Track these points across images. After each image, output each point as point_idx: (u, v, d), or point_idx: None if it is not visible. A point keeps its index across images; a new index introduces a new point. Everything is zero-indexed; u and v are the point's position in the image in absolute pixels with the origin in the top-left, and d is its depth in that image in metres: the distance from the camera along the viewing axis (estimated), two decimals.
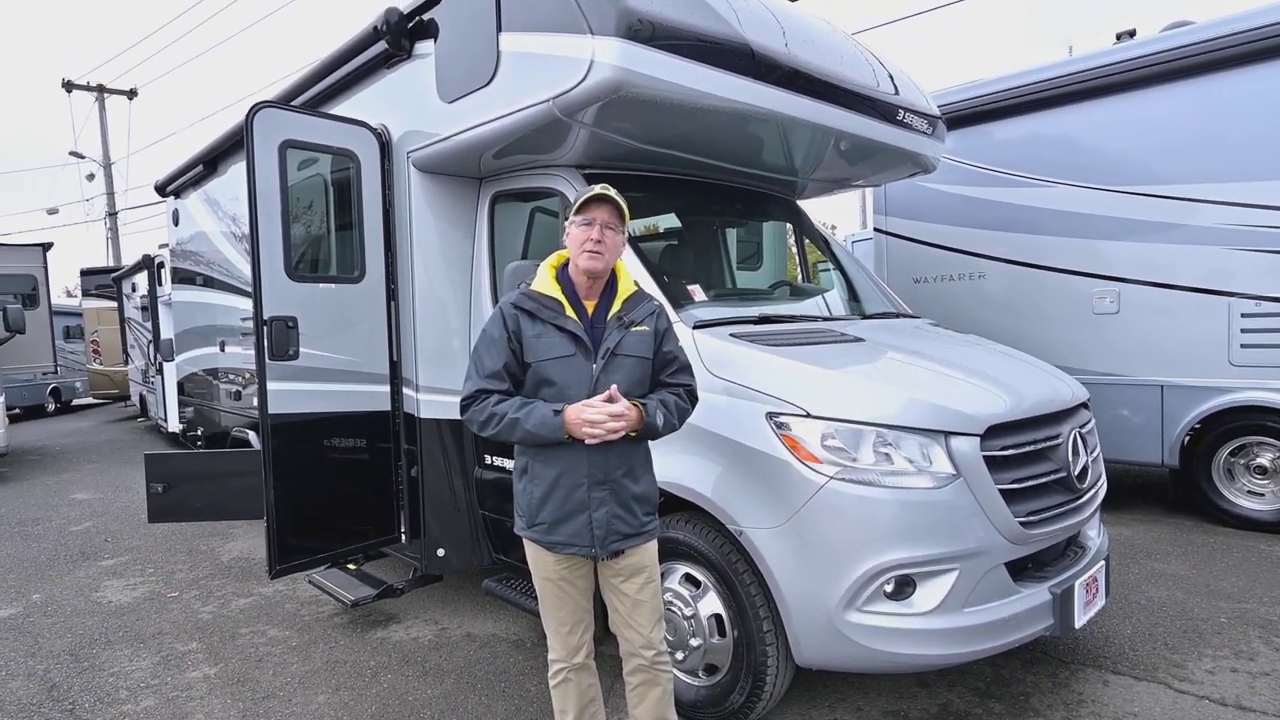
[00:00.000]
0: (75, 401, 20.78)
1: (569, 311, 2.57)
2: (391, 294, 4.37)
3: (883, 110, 4.33)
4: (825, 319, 4.26)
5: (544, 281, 2.63)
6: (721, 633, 3.22)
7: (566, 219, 2.60)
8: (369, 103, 4.50)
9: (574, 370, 2.53)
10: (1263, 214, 5.57)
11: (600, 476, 2.54)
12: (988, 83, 7.01)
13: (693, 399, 2.73)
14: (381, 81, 4.42)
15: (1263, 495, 5.95)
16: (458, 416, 2.66)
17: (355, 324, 4.26)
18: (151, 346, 12.99)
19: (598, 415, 2.41)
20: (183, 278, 8.13)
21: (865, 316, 4.47)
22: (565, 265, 2.66)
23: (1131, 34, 6.63)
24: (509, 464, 3.05)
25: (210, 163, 6.83)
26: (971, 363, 3.68)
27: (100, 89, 26.15)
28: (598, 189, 2.57)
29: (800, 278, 5.35)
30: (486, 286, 4.22)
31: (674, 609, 3.34)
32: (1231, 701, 3.43)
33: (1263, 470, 5.92)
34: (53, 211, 30.46)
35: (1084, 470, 3.40)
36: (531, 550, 2.69)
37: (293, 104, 4.92)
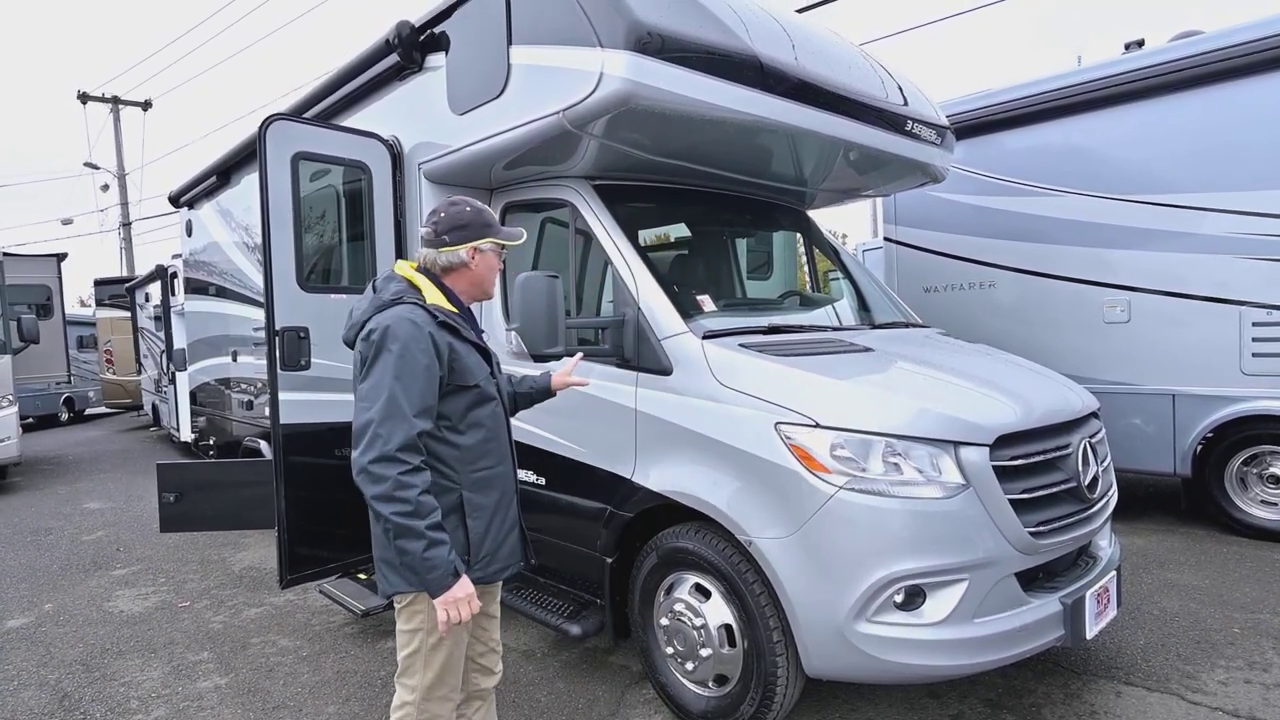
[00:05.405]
0: (88, 411, 20.91)
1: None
2: None
3: (891, 121, 4.34)
4: (835, 329, 4.26)
5: (440, 298, 2.45)
6: (731, 643, 3.22)
7: (478, 243, 2.49)
8: (380, 115, 4.55)
9: (495, 387, 2.53)
10: (1273, 223, 5.55)
11: (516, 481, 2.61)
12: (996, 93, 7.02)
13: None
14: (393, 94, 4.47)
15: (1276, 505, 5.90)
16: None
17: None
18: (164, 356, 13.07)
19: (470, 610, 2.26)
20: (196, 288, 8.20)
21: (875, 326, 4.47)
22: (436, 280, 2.50)
23: (1140, 44, 6.63)
24: (521, 474, 3.06)
25: (223, 174, 6.89)
26: (981, 372, 3.68)
27: (115, 100, 26.39)
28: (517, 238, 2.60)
29: (810, 287, 5.36)
30: (497, 297, 4.24)
31: (684, 619, 3.34)
32: (1245, 713, 3.40)
33: (1276, 480, 5.88)
34: (67, 222, 30.79)
35: (1094, 480, 3.39)
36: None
37: (305, 116, 4.97)
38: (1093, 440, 3.50)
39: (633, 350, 3.51)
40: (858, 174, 4.74)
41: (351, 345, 2.44)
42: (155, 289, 13.90)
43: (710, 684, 3.35)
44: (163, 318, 12.75)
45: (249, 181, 6.35)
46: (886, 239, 7.95)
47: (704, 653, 3.30)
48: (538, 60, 3.46)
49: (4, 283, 10.75)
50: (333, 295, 4.23)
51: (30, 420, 16.70)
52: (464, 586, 2.24)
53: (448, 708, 2.47)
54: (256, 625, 4.98)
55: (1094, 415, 3.74)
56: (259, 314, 6.08)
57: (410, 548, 2.18)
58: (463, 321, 2.48)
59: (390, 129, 4.39)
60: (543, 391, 3.03)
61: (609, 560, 3.64)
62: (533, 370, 3.15)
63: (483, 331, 2.65)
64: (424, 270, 2.52)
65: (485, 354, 2.53)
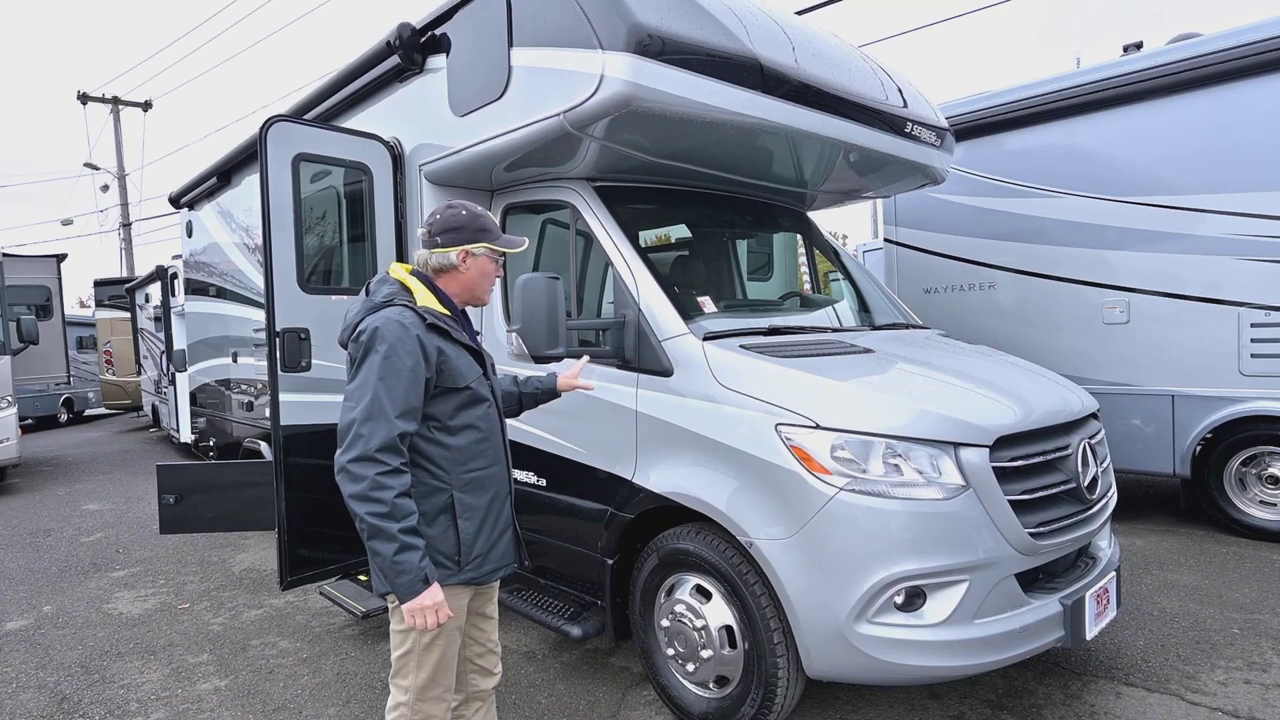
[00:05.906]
0: (88, 412, 20.91)
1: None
2: None
3: (891, 123, 4.35)
4: (835, 330, 4.26)
5: (432, 300, 2.46)
6: (732, 644, 3.22)
7: (470, 246, 2.48)
8: (381, 116, 4.55)
9: (488, 389, 2.54)
10: (1271, 224, 5.56)
11: (511, 482, 2.60)
12: (996, 94, 7.03)
13: None
14: (394, 95, 4.47)
15: (1275, 505, 5.91)
16: None
17: None
18: (164, 357, 13.07)
19: (437, 620, 2.25)
20: (196, 289, 8.20)
21: (875, 327, 4.47)
22: (428, 282, 2.50)
23: (1138, 46, 6.64)
24: (518, 474, 3.06)
25: (224, 175, 6.89)
26: (981, 373, 3.68)
27: (115, 101, 26.34)
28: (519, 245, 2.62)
29: (810, 288, 5.36)
30: (497, 299, 4.24)
31: (684, 620, 3.35)
32: (1244, 713, 3.41)
33: (1274, 480, 5.89)
34: (67, 222, 30.76)
35: (1094, 481, 3.40)
36: (454, 599, 2.39)
37: (306, 117, 4.97)
38: (1092, 441, 3.51)
39: (633, 351, 3.51)
40: (858, 175, 4.74)
41: (346, 347, 2.44)
42: (155, 290, 13.91)
43: (711, 685, 3.35)
44: (163, 319, 12.75)
45: (250, 182, 6.35)
46: (887, 240, 7.96)
47: (705, 654, 3.30)
48: (539, 62, 3.47)
49: (4, 283, 10.74)
50: (333, 296, 4.24)
51: (29, 421, 16.71)
52: (433, 595, 2.23)
53: (442, 708, 2.47)
54: (256, 627, 4.98)
55: (1093, 416, 3.75)
56: (259, 315, 6.09)
57: (381, 549, 2.17)
58: (454, 324, 2.47)
59: (391, 130, 4.40)
60: (548, 392, 3.04)
61: (610, 561, 3.64)
62: (537, 371, 3.16)
63: (479, 334, 2.65)
64: (417, 272, 2.53)
65: (478, 356, 2.53)
